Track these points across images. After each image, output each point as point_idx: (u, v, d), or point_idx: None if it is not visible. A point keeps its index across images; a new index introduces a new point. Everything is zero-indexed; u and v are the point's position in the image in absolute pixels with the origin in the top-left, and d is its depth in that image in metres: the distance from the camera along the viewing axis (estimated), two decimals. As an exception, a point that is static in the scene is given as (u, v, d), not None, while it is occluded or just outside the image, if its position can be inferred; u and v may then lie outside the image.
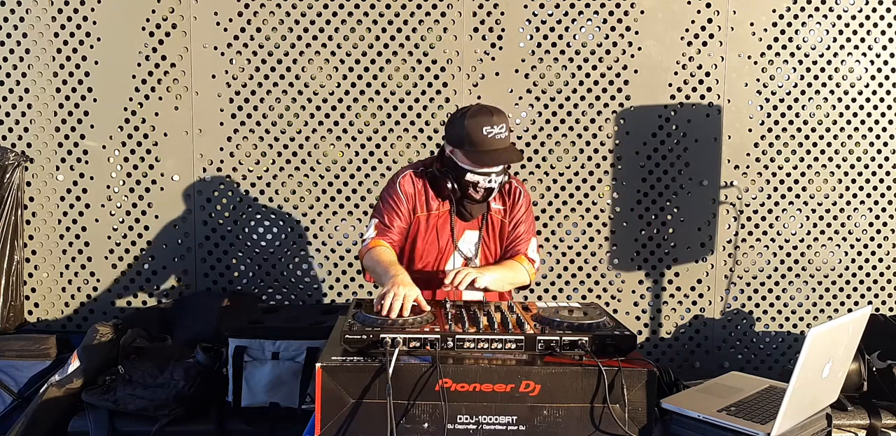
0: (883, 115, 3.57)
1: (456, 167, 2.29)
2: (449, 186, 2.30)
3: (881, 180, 3.60)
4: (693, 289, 3.57)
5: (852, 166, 3.58)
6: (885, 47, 3.53)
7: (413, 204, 2.37)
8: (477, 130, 2.20)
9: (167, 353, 2.88)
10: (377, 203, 2.44)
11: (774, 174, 3.55)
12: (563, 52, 3.43)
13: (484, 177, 2.26)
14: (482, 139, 2.21)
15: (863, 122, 3.56)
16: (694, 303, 3.58)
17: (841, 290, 3.65)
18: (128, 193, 3.37)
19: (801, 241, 3.59)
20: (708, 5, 3.45)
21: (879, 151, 3.58)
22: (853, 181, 3.59)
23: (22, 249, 3.30)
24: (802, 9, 3.48)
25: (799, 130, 3.54)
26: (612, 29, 3.42)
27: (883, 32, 3.52)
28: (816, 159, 3.56)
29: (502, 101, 3.34)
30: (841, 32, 3.51)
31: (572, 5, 3.41)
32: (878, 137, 3.57)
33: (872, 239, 3.62)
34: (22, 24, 3.27)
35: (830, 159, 3.57)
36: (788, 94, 3.52)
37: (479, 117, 2.22)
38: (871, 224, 3.62)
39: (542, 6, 3.40)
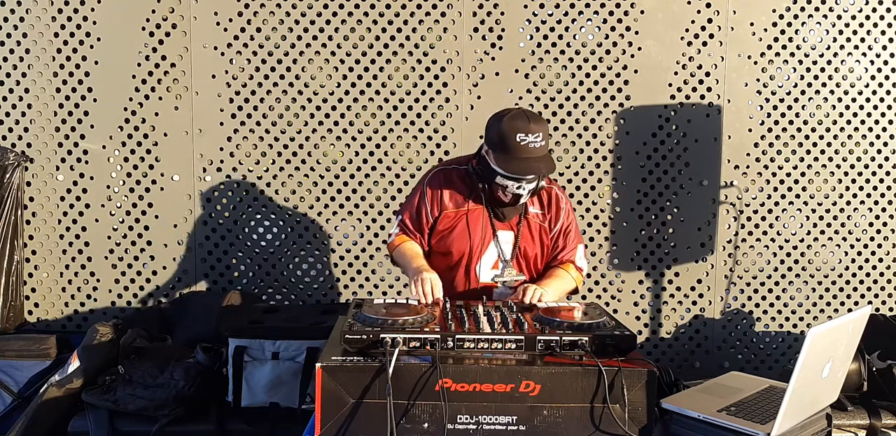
0: (883, 115, 3.57)
1: (488, 167, 2.27)
2: (480, 185, 2.31)
3: (881, 180, 3.60)
4: (693, 289, 3.57)
5: (852, 166, 3.58)
6: (885, 47, 3.53)
7: (440, 202, 2.37)
8: (511, 136, 2.17)
9: (167, 353, 2.88)
10: (406, 197, 2.49)
11: (774, 174, 3.55)
12: (563, 52, 3.43)
13: (513, 182, 2.24)
14: (515, 145, 2.17)
15: (863, 122, 3.56)
16: (694, 303, 3.58)
17: (841, 290, 3.64)
18: (128, 193, 3.37)
19: (801, 241, 3.59)
20: (708, 5, 3.44)
21: (879, 151, 3.58)
22: (853, 181, 3.59)
23: (22, 249, 3.30)
24: (802, 9, 3.48)
25: (799, 130, 3.54)
26: (612, 29, 3.42)
27: (883, 32, 3.52)
28: (816, 159, 3.56)
29: (502, 102, 3.34)
30: (841, 32, 3.51)
31: (572, 5, 3.41)
32: (878, 137, 3.57)
33: (872, 239, 3.62)
34: (22, 24, 3.27)
35: (830, 159, 3.57)
36: (788, 94, 3.52)
37: (515, 122, 2.18)
38: (871, 224, 3.62)
39: (542, 6, 3.40)
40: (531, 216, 2.40)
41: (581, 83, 3.44)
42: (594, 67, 3.44)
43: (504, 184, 2.25)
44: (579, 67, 3.44)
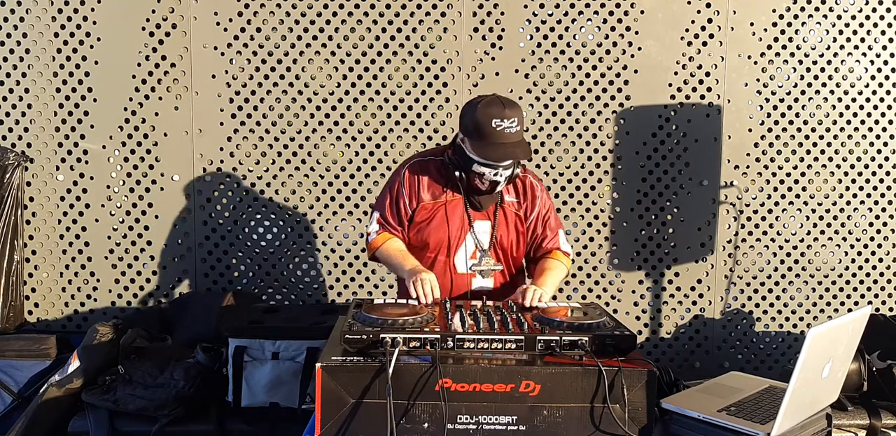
0: (883, 115, 3.57)
1: (464, 156, 2.26)
2: (456, 174, 2.30)
3: (881, 180, 3.60)
4: (693, 289, 3.57)
5: (852, 166, 3.58)
6: (885, 47, 3.53)
7: (417, 193, 2.36)
8: (486, 122, 2.16)
9: (167, 353, 2.88)
10: (380, 193, 2.46)
11: (774, 174, 3.55)
12: (563, 52, 3.43)
13: (490, 169, 2.23)
14: (490, 131, 2.17)
15: (863, 122, 3.56)
16: (694, 303, 3.58)
17: (841, 290, 3.64)
18: (128, 193, 3.37)
19: (801, 241, 3.59)
20: (708, 5, 3.44)
21: (879, 151, 3.58)
22: (853, 181, 3.59)
23: (22, 249, 3.30)
24: (802, 9, 3.48)
25: (799, 130, 3.54)
26: (612, 29, 3.42)
27: (883, 32, 3.52)
28: (816, 159, 3.56)
29: (502, 101, 3.34)
30: (841, 32, 3.51)
31: (572, 5, 3.41)
32: (878, 137, 3.57)
33: (872, 239, 3.62)
34: (22, 24, 3.27)
35: (830, 159, 3.57)
36: (788, 94, 3.52)
37: (490, 108, 2.18)
38: (871, 224, 3.62)
39: (542, 6, 3.40)
40: (507, 205, 2.40)
41: (581, 83, 3.44)
42: (594, 67, 3.44)
43: (481, 171, 2.24)
44: (579, 67, 3.44)
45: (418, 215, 2.37)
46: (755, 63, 3.49)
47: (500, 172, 2.24)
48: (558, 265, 2.41)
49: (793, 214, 3.58)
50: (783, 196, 3.56)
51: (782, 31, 3.49)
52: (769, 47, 3.48)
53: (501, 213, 2.40)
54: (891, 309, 3.67)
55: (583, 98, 3.45)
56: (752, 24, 3.46)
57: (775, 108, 3.52)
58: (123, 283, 3.40)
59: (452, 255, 2.38)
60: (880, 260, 3.64)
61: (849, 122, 3.56)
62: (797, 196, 3.57)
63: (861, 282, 3.65)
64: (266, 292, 3.45)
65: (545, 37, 3.42)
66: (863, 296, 3.66)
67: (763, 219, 3.56)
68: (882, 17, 3.51)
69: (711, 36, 3.46)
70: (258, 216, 3.43)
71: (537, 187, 2.44)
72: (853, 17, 3.50)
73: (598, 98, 3.46)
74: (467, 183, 2.31)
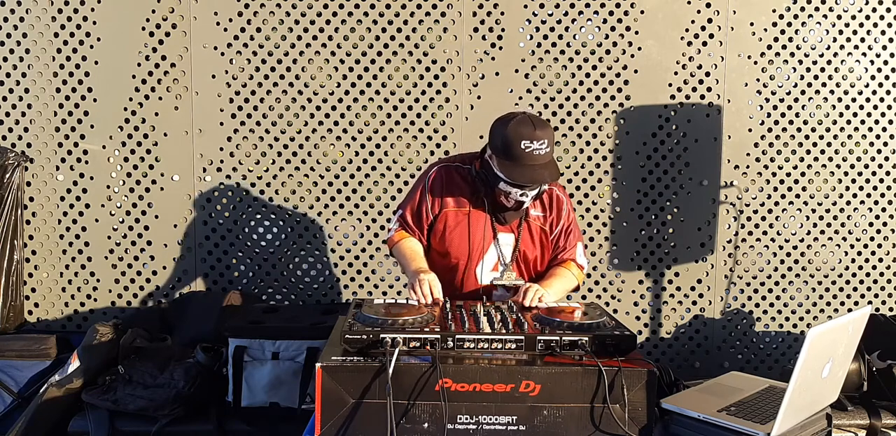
0: (883, 115, 3.57)
1: (491, 173, 2.24)
2: (482, 189, 2.29)
3: (881, 180, 3.60)
4: (693, 289, 3.57)
5: (852, 166, 3.58)
6: (885, 47, 3.53)
7: (441, 199, 2.35)
8: (515, 143, 2.13)
9: (167, 353, 2.88)
10: (406, 194, 2.47)
11: (774, 174, 3.55)
12: (563, 52, 3.43)
13: (516, 189, 2.21)
14: (519, 153, 2.13)
15: (863, 122, 3.56)
16: (694, 303, 3.58)
17: (841, 290, 3.64)
18: (128, 193, 3.37)
19: (801, 241, 3.59)
20: (708, 5, 3.45)
21: (879, 151, 3.58)
22: (853, 181, 3.59)
23: (22, 249, 3.30)
24: (802, 9, 3.48)
25: (799, 130, 3.54)
26: (612, 29, 3.42)
27: (883, 32, 3.52)
28: (816, 159, 3.56)
29: (502, 101, 3.35)
30: (841, 32, 3.51)
31: (572, 5, 3.41)
32: (878, 137, 3.57)
33: (872, 239, 3.62)
34: (22, 24, 3.27)
35: (830, 159, 3.57)
36: (788, 94, 3.52)
37: (520, 129, 2.14)
38: (871, 224, 3.62)
39: (542, 6, 3.40)
40: (532, 219, 2.39)
41: (581, 83, 3.44)
42: (594, 67, 3.44)
43: (507, 190, 2.22)
44: (579, 67, 3.44)
45: (440, 222, 2.36)
46: (755, 63, 3.49)
47: (526, 193, 2.22)
48: (567, 274, 2.39)
49: (793, 214, 3.58)
50: (783, 196, 3.56)
51: (782, 31, 3.49)
52: (769, 47, 3.48)
53: (526, 227, 2.38)
54: (891, 309, 3.67)
55: (583, 98, 3.45)
56: (752, 24, 3.46)
57: (775, 108, 3.52)
58: (123, 283, 3.40)
59: (474, 266, 2.36)
60: (880, 260, 3.64)
61: (849, 122, 3.56)
62: (797, 196, 3.57)
63: (861, 282, 3.65)
64: (266, 292, 3.45)
65: (545, 37, 3.42)
66: (863, 296, 3.66)
67: (763, 219, 3.56)
68: (882, 17, 3.51)
69: (711, 36, 3.46)
70: (258, 216, 3.43)
71: (563, 201, 2.42)
72: (853, 17, 3.50)
73: (598, 98, 3.46)
74: (493, 199, 2.29)
